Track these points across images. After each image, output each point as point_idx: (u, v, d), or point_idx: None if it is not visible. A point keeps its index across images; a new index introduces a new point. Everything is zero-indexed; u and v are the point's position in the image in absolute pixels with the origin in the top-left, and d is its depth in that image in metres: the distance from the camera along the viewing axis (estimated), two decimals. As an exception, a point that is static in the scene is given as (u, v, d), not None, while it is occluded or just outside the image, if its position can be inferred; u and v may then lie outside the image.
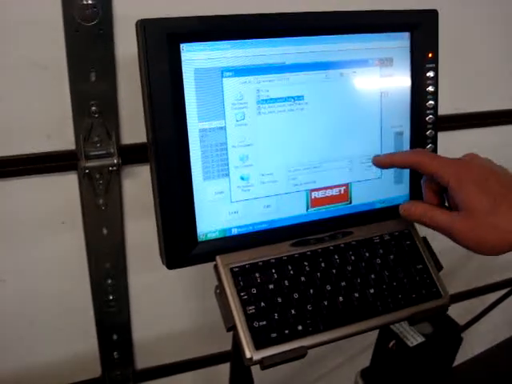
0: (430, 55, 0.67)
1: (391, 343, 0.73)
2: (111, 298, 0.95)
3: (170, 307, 1.01)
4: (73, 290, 0.91)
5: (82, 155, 0.80)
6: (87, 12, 0.74)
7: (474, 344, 1.01)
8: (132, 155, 0.82)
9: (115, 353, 1.00)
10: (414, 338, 0.73)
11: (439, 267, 0.67)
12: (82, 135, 0.80)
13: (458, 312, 1.10)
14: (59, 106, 0.78)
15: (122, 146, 0.83)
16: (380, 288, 0.64)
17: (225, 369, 0.84)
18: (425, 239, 0.69)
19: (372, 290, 0.63)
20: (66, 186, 0.84)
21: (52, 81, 0.76)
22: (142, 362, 1.04)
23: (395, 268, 0.65)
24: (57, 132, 0.79)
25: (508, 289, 0.97)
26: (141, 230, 0.88)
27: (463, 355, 0.78)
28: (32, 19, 0.72)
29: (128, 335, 0.99)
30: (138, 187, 0.85)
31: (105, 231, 0.89)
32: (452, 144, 1.05)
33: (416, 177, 0.69)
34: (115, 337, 0.99)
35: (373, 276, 0.64)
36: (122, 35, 0.76)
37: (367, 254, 0.65)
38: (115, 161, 0.82)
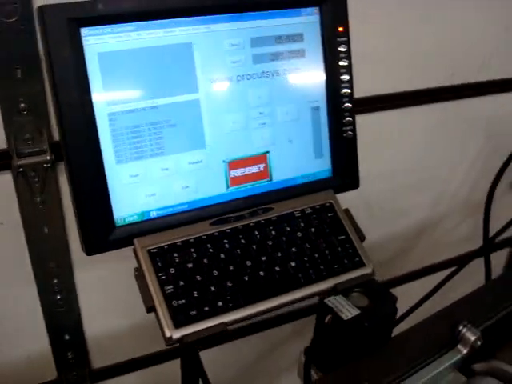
0: (341, 29, 0.68)
1: (327, 318, 0.73)
2: (59, 297, 0.94)
3: (121, 303, 1.00)
4: (19, 292, 0.91)
5: (14, 153, 0.80)
6: (7, 8, 0.74)
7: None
8: (65, 151, 0.82)
9: (69, 353, 1.00)
10: (348, 312, 0.73)
11: (362, 237, 0.67)
12: (12, 133, 0.80)
13: (415, 290, 1.11)
14: (-13, 106, 0.77)
15: (54, 143, 0.82)
16: (301, 261, 0.64)
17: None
18: (347, 211, 0.70)
19: (293, 263, 0.64)
20: (1, 186, 0.83)
21: (-23, 81, 0.76)
22: (98, 360, 1.03)
23: (317, 240, 0.66)
24: (-13, 132, 0.79)
25: (455, 267, 0.98)
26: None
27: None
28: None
29: (80, 334, 0.99)
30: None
31: (46, 229, 0.88)
32: (380, 125, 1.07)
33: (337, 151, 0.70)
34: (67, 337, 0.98)
35: (294, 249, 0.64)
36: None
37: (288, 229, 0.65)
38: (48, 157, 0.82)
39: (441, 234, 1.32)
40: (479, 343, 0.72)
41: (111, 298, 0.99)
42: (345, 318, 0.73)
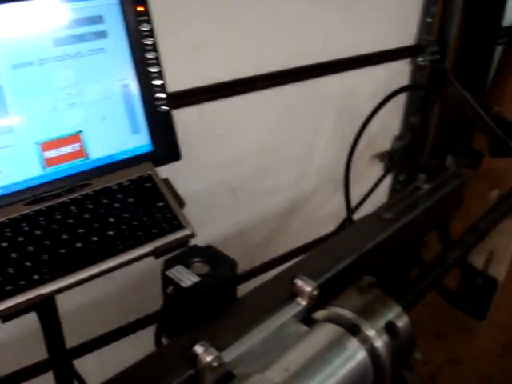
0: (141, 9, 0.71)
1: (169, 288, 0.76)
2: None
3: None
4: None
5: None
6: None
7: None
8: None
9: None
10: (189, 280, 0.76)
11: (181, 203, 0.71)
12: None
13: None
14: None
15: None
16: (119, 229, 0.67)
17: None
18: (166, 180, 0.73)
19: (111, 232, 0.66)
20: None
21: None
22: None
23: (135, 209, 0.68)
24: None
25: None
26: None
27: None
28: None
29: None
30: None
31: None
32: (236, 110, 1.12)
33: (153, 126, 0.73)
34: None
35: (112, 219, 0.67)
36: None
37: (106, 201, 0.68)
38: None
39: (310, 213, 1.38)
40: (316, 293, 0.76)
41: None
42: (185, 286, 0.76)
